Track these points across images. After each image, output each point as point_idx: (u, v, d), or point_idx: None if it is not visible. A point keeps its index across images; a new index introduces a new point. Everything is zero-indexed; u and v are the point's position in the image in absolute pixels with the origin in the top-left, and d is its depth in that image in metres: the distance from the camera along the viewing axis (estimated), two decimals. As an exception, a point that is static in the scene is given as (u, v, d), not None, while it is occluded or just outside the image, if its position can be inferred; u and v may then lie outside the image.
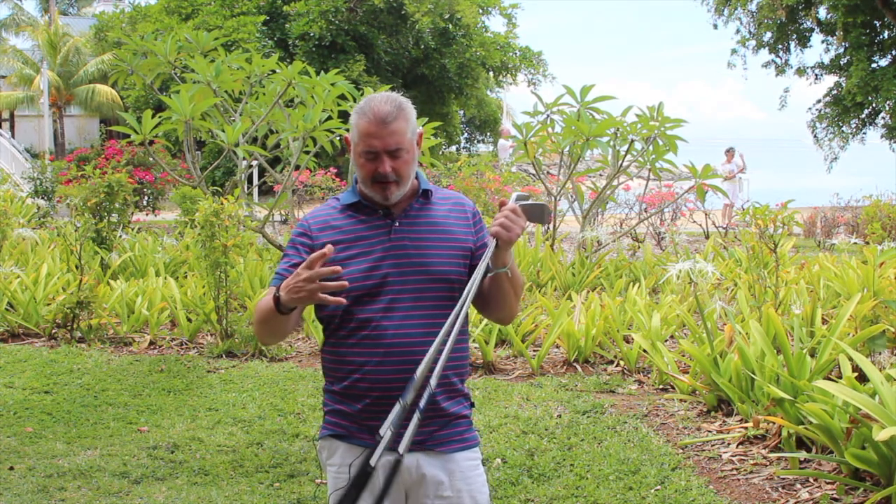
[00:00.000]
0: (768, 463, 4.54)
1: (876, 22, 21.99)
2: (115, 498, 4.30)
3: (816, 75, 23.70)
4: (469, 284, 2.28)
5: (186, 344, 7.42)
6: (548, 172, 12.85)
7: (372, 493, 2.19)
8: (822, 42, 23.75)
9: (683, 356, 6.20)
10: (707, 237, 14.37)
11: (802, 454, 4.41)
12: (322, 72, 9.18)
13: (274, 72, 9.19)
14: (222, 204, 7.15)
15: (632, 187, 14.24)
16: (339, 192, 2.60)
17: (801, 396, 4.43)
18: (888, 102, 21.27)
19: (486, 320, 6.76)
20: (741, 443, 4.83)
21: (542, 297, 7.83)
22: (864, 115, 23.26)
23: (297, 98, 9.00)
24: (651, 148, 9.40)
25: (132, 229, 12.26)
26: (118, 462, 4.72)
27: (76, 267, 8.07)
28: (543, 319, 7.19)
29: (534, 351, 6.92)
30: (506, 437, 5.05)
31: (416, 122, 2.37)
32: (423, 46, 27.75)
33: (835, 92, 23.43)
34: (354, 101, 8.43)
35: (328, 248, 2.15)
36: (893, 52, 22.55)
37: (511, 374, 6.49)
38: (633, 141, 9.54)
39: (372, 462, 2.11)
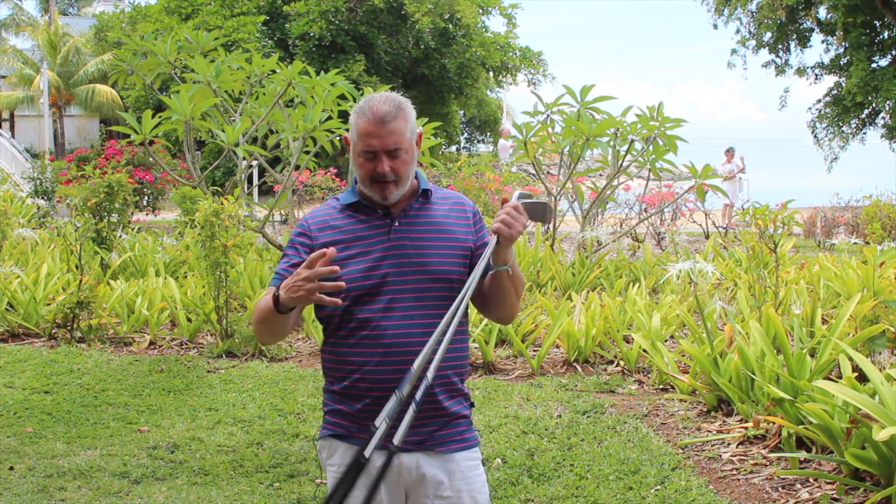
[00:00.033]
0: (768, 463, 4.54)
1: (876, 22, 21.99)
2: (115, 498, 4.30)
3: (816, 75, 23.71)
4: (469, 280, 2.28)
5: (186, 344, 7.42)
6: (548, 172, 12.85)
7: (366, 485, 2.20)
8: (822, 42, 23.79)
9: (683, 356, 6.20)
10: (707, 237, 14.37)
11: (802, 454, 4.41)
12: (322, 72, 9.18)
13: (274, 72, 9.19)
14: (222, 204, 7.15)
15: (632, 187, 14.24)
16: (338, 192, 2.60)
17: (801, 396, 4.43)
18: (888, 102, 21.28)
19: (486, 320, 6.75)
20: (741, 443, 4.83)
21: (542, 297, 7.83)
22: (864, 115, 23.26)
23: (297, 98, 9.00)
24: (651, 148, 9.40)
25: (132, 229, 12.26)
26: (118, 462, 4.72)
27: (76, 267, 8.07)
28: (543, 319, 7.19)
29: (534, 351, 6.92)
30: (506, 437, 5.05)
31: (415, 123, 2.37)
32: (423, 46, 27.76)
33: (835, 92, 23.43)
34: (354, 101, 8.43)
35: (330, 251, 2.15)
36: (893, 52, 22.55)
37: (511, 374, 6.49)
38: (633, 141, 9.54)
39: (366, 454, 2.11)
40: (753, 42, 23.72)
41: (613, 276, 9.41)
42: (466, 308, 2.45)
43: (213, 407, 5.70)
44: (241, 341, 7.09)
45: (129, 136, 8.81)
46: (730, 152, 18.54)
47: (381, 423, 2.11)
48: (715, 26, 24.02)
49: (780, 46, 23.60)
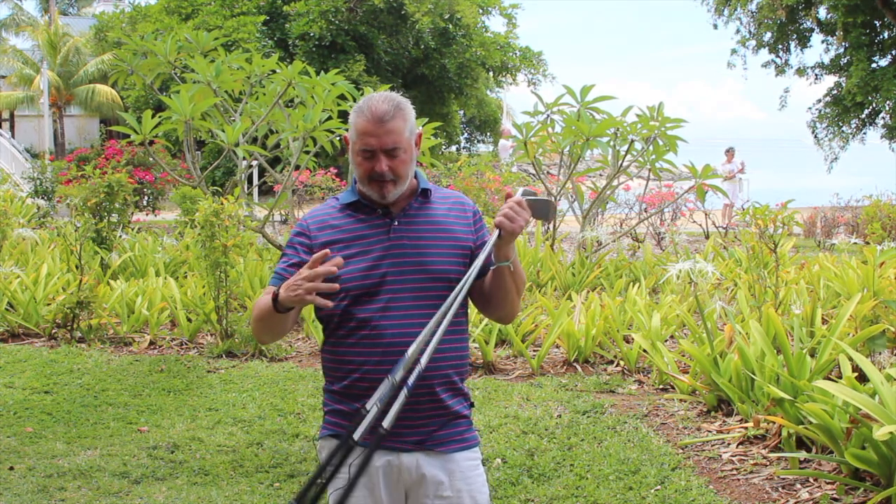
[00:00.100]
0: (768, 463, 4.54)
1: (876, 22, 21.99)
2: (115, 498, 4.30)
3: (816, 75, 23.71)
4: (469, 271, 2.28)
5: (186, 344, 7.42)
6: (548, 172, 12.85)
7: (367, 487, 2.19)
8: (822, 42, 23.80)
9: (683, 356, 6.20)
10: (707, 237, 14.37)
11: (802, 454, 4.41)
12: (322, 72, 9.17)
13: (274, 72, 9.18)
14: (222, 204, 7.15)
15: (632, 187, 14.24)
16: (338, 192, 2.60)
17: (801, 396, 4.43)
18: (888, 102, 21.28)
19: (486, 320, 6.75)
20: (741, 443, 4.83)
21: (542, 297, 7.83)
22: (864, 115, 23.27)
23: (297, 98, 8.99)
24: (651, 148, 9.39)
25: (132, 229, 12.26)
26: (118, 462, 4.72)
27: (76, 267, 8.07)
28: (543, 319, 7.19)
29: (534, 351, 6.92)
30: (506, 437, 5.05)
31: (414, 122, 2.36)
32: (423, 46, 27.76)
33: (835, 92, 23.43)
34: (354, 100, 8.42)
35: (332, 258, 2.15)
36: (893, 52, 22.55)
37: (511, 374, 6.48)
38: (633, 141, 9.53)
39: (355, 436, 2.11)
40: (753, 42, 23.73)
41: (613, 276, 9.41)
42: (466, 303, 2.45)
43: (213, 407, 5.70)
44: (241, 341, 7.09)
45: (129, 136, 8.80)
46: (730, 152, 18.53)
47: (373, 406, 2.11)
48: (715, 26, 24.03)
49: (780, 46, 23.60)
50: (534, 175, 13.63)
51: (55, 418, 5.46)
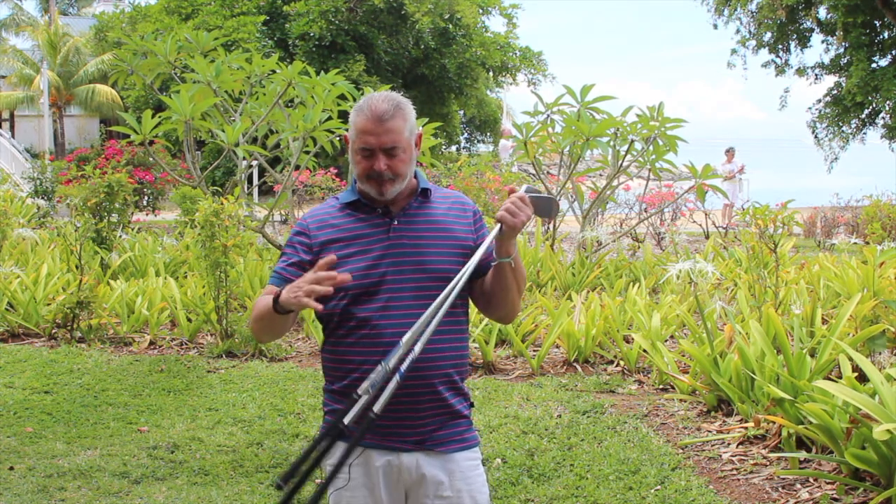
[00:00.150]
0: (768, 463, 4.54)
1: (876, 22, 21.99)
2: (115, 498, 4.30)
3: (816, 75, 23.71)
4: (469, 262, 2.28)
5: (186, 344, 7.42)
6: (548, 172, 12.85)
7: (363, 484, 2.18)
8: (822, 42, 23.81)
9: (683, 356, 6.20)
10: (707, 237, 14.37)
11: (802, 454, 4.41)
12: (322, 72, 9.18)
13: (274, 72, 9.19)
14: (222, 204, 7.15)
15: (632, 187, 14.24)
16: (338, 192, 2.60)
17: (801, 396, 4.43)
18: (888, 102, 21.28)
19: (486, 320, 6.75)
20: (741, 443, 4.83)
21: (542, 297, 7.83)
22: (864, 115, 23.26)
23: (297, 98, 8.99)
24: (651, 148, 9.39)
25: (132, 229, 12.26)
26: (118, 462, 4.72)
27: (76, 267, 8.07)
28: (543, 319, 7.19)
29: (534, 351, 6.92)
30: (506, 437, 5.05)
31: (415, 122, 2.36)
32: (423, 46, 27.76)
33: (835, 92, 23.43)
34: (354, 100, 8.42)
35: (335, 261, 2.16)
36: (893, 52, 22.55)
37: (511, 374, 6.48)
38: (633, 141, 9.53)
39: (346, 420, 2.11)
40: (753, 42, 23.72)
41: (613, 276, 9.41)
42: (467, 303, 2.45)
43: (213, 407, 5.70)
44: (241, 341, 7.09)
45: (129, 136, 8.81)
46: (730, 152, 18.52)
47: (364, 392, 2.11)
48: (715, 26, 24.03)
49: (780, 46, 23.60)
50: (534, 175, 13.63)
51: (55, 418, 5.46)
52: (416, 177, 2.40)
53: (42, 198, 15.85)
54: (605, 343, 6.83)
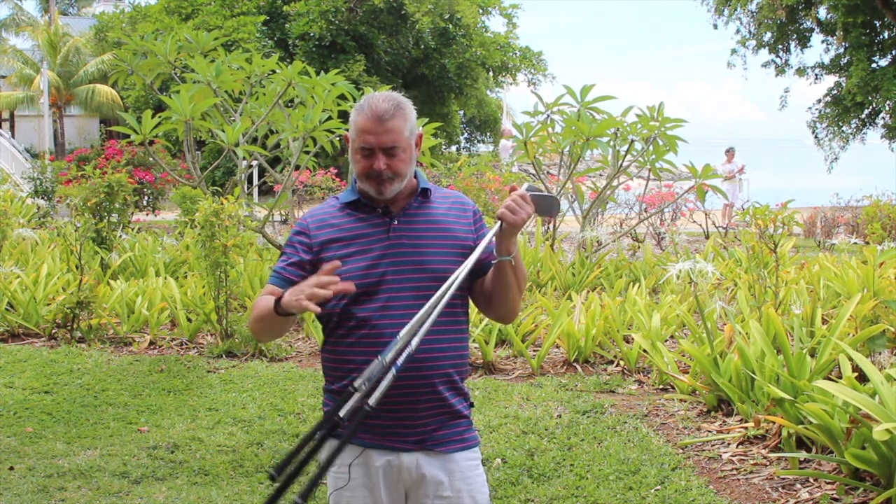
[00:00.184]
0: (768, 463, 4.54)
1: (876, 22, 21.99)
2: (115, 498, 4.30)
3: (816, 75, 23.71)
4: (469, 257, 2.28)
5: (186, 344, 7.42)
6: (548, 172, 12.85)
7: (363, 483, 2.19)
8: (822, 42, 23.82)
9: (683, 356, 6.20)
10: (707, 237, 14.37)
11: (802, 454, 4.41)
12: (322, 72, 9.18)
13: (274, 72, 9.19)
14: (222, 204, 7.15)
15: (632, 187, 14.24)
16: (338, 192, 2.60)
17: (801, 396, 4.43)
18: (888, 102, 21.28)
19: (486, 320, 6.76)
20: (741, 443, 4.83)
21: (542, 297, 7.83)
22: (864, 115, 23.27)
23: (297, 98, 9.00)
24: (651, 148, 9.39)
25: (132, 229, 12.26)
26: (118, 462, 4.72)
27: (76, 267, 8.07)
28: (543, 319, 7.19)
29: (534, 351, 6.92)
30: (506, 437, 5.05)
31: (415, 123, 2.36)
32: (423, 46, 27.77)
33: (835, 92, 23.44)
34: (354, 101, 8.42)
35: (340, 266, 2.17)
36: (893, 52, 22.55)
37: (511, 374, 6.48)
38: (633, 141, 9.53)
39: (341, 413, 2.10)
40: (753, 42, 23.72)
41: (613, 276, 9.41)
42: (467, 303, 2.45)
43: (213, 407, 5.70)
44: (241, 341, 7.09)
45: (129, 136, 8.81)
46: (730, 152, 18.52)
47: (361, 385, 2.11)
48: (715, 26, 24.03)
49: (780, 46, 23.60)
50: (534, 175, 13.63)
51: (55, 418, 5.46)
52: (416, 177, 2.40)
53: (42, 198, 15.85)
54: (605, 343, 6.83)
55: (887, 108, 21.91)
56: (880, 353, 5.40)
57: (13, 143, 24.15)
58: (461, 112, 34.05)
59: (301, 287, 2.16)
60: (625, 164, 9.85)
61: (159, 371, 6.53)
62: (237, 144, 8.58)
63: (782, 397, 4.51)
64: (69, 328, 7.45)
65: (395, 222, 2.35)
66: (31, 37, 32.51)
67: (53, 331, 7.56)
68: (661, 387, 6.06)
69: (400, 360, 2.12)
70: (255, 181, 17.60)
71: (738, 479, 4.40)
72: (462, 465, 2.37)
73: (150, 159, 14.97)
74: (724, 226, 15.09)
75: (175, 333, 7.62)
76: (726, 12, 23.34)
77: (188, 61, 9.15)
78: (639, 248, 11.88)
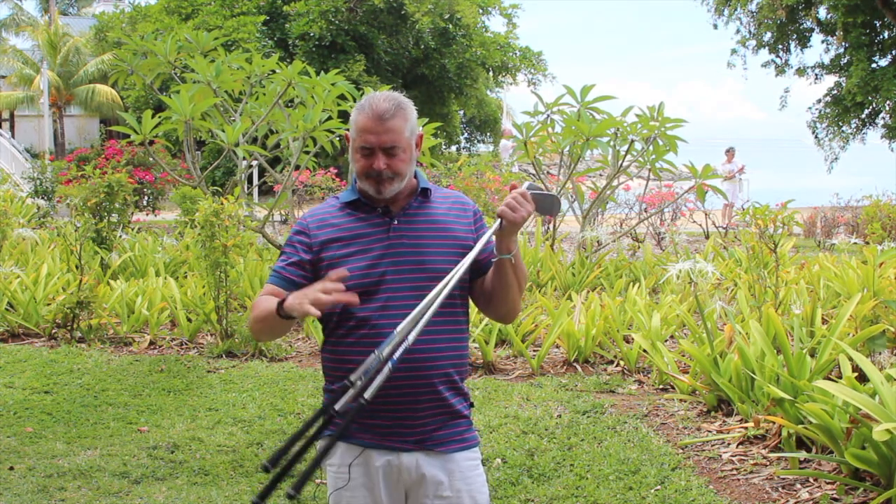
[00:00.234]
0: (768, 463, 4.54)
1: (876, 22, 21.99)
2: (115, 498, 4.30)
3: (816, 75, 23.71)
4: (469, 254, 2.28)
5: (186, 344, 7.42)
6: (548, 172, 12.85)
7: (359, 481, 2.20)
8: (822, 42, 23.82)
9: (683, 356, 6.20)
10: (707, 237, 14.37)
11: (802, 454, 4.41)
12: (322, 72, 9.19)
13: (274, 72, 9.20)
14: (222, 204, 7.15)
15: (632, 187, 14.24)
16: (338, 192, 2.60)
17: (801, 396, 4.43)
18: (888, 102, 21.28)
19: (486, 320, 6.76)
20: (741, 443, 4.83)
21: (542, 297, 7.83)
22: (864, 115, 23.27)
23: (297, 98, 9.00)
24: (651, 148, 9.40)
25: (132, 229, 12.26)
26: (118, 462, 4.72)
27: (76, 267, 8.07)
28: (543, 319, 7.19)
29: (534, 351, 6.92)
30: (506, 437, 5.05)
31: (416, 122, 2.36)
32: (423, 46, 27.77)
33: (835, 92, 23.44)
34: (354, 101, 8.43)
35: (347, 275, 2.17)
36: (893, 52, 22.55)
37: (511, 374, 6.48)
38: (633, 141, 9.54)
39: (337, 407, 2.10)
40: (753, 42, 23.73)
41: (613, 276, 9.41)
42: (467, 303, 2.45)
43: (213, 407, 5.70)
44: (241, 341, 7.09)
45: (129, 136, 8.82)
46: (730, 152, 18.52)
47: (357, 379, 2.11)
48: (715, 26, 24.03)
49: (780, 46, 23.60)
50: (534, 175, 13.64)
51: (55, 418, 5.46)
52: (416, 177, 2.40)
53: (42, 198, 15.85)
54: (605, 343, 6.83)
55: (887, 108, 21.92)
56: (880, 353, 5.40)
57: (13, 143, 24.16)
58: (461, 112, 34.06)
59: (305, 292, 2.16)
60: (625, 164, 9.85)
61: (159, 371, 6.53)
62: (237, 144, 8.59)
63: (782, 397, 4.51)
64: (69, 328, 7.45)
65: (395, 222, 2.35)
66: (31, 37, 32.51)
67: (53, 331, 7.56)
68: (661, 387, 6.06)
69: (397, 355, 2.12)
70: (255, 181, 17.60)
71: (738, 479, 4.40)
72: (462, 465, 2.37)
73: (150, 159, 14.97)
74: (724, 226, 15.09)
75: (175, 333, 7.62)
76: (726, 12, 23.34)
77: (188, 61, 9.15)
78: (639, 248, 11.88)
